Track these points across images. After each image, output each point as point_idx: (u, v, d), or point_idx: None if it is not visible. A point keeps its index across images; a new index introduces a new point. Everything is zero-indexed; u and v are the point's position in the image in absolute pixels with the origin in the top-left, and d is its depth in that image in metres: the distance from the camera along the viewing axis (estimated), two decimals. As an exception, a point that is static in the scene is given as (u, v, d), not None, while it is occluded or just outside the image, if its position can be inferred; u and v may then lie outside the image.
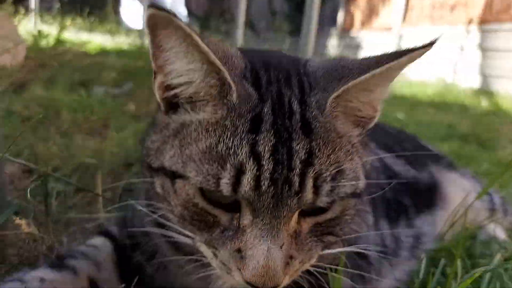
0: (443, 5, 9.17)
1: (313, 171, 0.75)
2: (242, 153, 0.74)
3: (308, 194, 0.76)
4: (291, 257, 0.77)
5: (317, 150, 0.77)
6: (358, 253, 1.16)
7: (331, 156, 0.78)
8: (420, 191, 1.56)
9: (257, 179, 0.73)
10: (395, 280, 1.27)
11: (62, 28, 6.41)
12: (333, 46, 12.88)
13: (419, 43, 0.79)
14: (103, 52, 5.98)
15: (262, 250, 0.74)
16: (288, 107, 0.80)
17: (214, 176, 0.74)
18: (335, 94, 0.80)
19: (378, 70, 0.78)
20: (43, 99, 2.93)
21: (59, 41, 5.77)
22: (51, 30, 6.41)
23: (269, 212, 0.75)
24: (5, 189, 1.13)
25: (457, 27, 8.66)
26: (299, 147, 0.76)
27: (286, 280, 0.78)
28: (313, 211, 0.80)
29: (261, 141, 0.75)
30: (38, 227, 1.10)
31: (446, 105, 5.81)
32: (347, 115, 0.85)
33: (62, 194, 1.61)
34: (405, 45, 0.83)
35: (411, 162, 1.61)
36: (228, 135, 0.76)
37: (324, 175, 0.77)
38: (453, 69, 8.72)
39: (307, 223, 0.81)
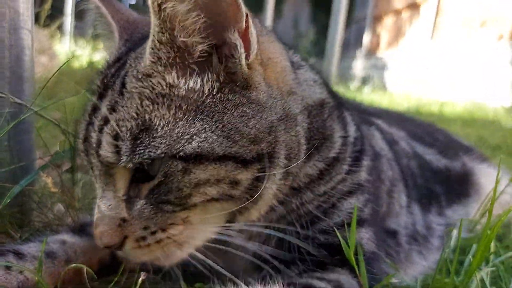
0: (473, 21, 9.04)
1: (110, 128, 0.75)
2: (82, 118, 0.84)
3: (104, 151, 0.75)
4: (123, 220, 0.78)
5: (120, 107, 0.76)
6: (388, 232, 1.12)
7: (136, 113, 0.75)
8: (452, 180, 1.51)
9: (80, 141, 0.82)
10: (425, 267, 1.21)
11: (95, 50, 6.69)
12: (358, 68, 12.87)
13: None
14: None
15: (96, 208, 0.80)
16: (117, 68, 0.84)
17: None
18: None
19: None
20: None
21: (91, 63, 6.02)
22: (84, 52, 6.70)
23: (92, 172, 0.81)
24: (33, 149, 1.15)
25: (487, 43, 8.51)
26: (104, 104, 0.77)
27: (130, 244, 0.79)
28: (146, 177, 0.77)
29: (88, 106, 0.82)
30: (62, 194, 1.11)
31: (475, 121, 5.65)
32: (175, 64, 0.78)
33: (88, 185, 1.63)
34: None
35: (443, 152, 1.58)
36: None
37: (123, 133, 0.74)
38: (484, 87, 8.52)
39: (144, 190, 0.78)
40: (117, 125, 0.74)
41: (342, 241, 0.86)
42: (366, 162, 1.04)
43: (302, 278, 0.86)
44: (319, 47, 10.53)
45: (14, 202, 1.06)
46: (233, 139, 0.75)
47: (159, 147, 0.73)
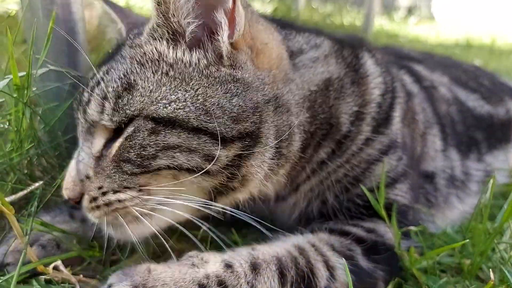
0: None
1: (100, 88, 0.80)
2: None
3: (91, 109, 0.80)
4: (87, 177, 0.81)
5: (112, 70, 0.81)
6: (425, 177, 1.17)
7: (124, 74, 0.80)
8: (494, 127, 1.50)
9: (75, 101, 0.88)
10: (463, 211, 1.26)
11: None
12: None
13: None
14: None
15: (71, 162, 0.85)
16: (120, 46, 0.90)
17: None
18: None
19: None
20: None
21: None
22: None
23: (77, 129, 0.86)
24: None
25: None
26: (101, 70, 0.84)
27: (85, 202, 0.81)
28: (119, 133, 0.79)
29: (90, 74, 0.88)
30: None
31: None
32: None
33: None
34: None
35: (487, 97, 1.55)
36: None
37: (109, 93, 0.78)
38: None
39: (113, 149, 0.79)
40: (106, 86, 0.79)
41: (373, 201, 0.94)
42: (398, 113, 1.04)
43: (340, 225, 0.97)
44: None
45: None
46: (213, 114, 0.76)
47: (134, 104, 0.76)
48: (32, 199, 0.93)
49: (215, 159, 0.77)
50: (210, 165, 0.77)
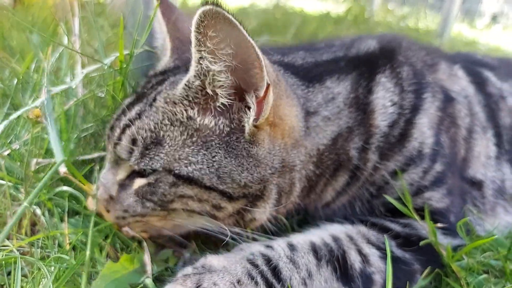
0: None
1: (131, 132, 0.88)
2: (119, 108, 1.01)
3: (120, 148, 0.89)
4: (111, 197, 0.93)
5: (144, 116, 0.89)
6: (472, 183, 1.18)
7: (154, 127, 0.87)
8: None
9: (108, 126, 0.98)
10: (510, 223, 1.25)
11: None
12: (489, 1, 11.26)
13: None
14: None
15: (100, 177, 0.98)
16: (159, 81, 0.98)
17: None
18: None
19: None
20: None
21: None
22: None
23: (107, 150, 0.97)
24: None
25: None
26: (135, 108, 0.92)
27: (111, 216, 0.95)
28: (142, 174, 0.89)
29: (127, 100, 0.99)
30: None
31: None
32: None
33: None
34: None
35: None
36: None
37: (138, 141, 0.87)
38: None
39: (136, 184, 0.90)
40: (137, 132, 0.87)
41: (399, 207, 1.01)
42: (423, 124, 1.06)
43: (382, 221, 1.04)
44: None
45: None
46: (223, 180, 0.86)
47: (160, 161, 0.86)
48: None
49: (223, 208, 0.89)
50: (218, 212, 0.90)
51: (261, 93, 0.84)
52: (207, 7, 0.72)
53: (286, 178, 0.94)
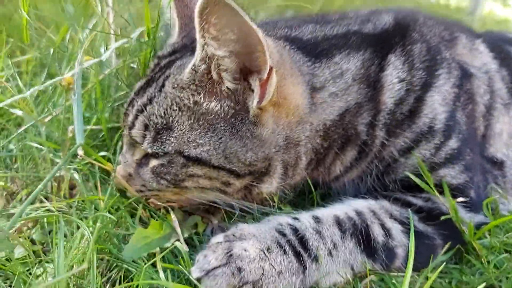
0: None
1: (143, 118, 0.93)
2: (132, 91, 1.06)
3: (134, 133, 0.94)
4: (130, 175, 1.00)
5: (155, 102, 0.93)
6: (492, 162, 1.19)
7: (164, 113, 0.91)
8: None
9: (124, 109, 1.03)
10: None
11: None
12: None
13: None
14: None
15: (120, 158, 1.05)
16: (168, 62, 1.00)
17: None
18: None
19: None
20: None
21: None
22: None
23: (123, 132, 1.02)
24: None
25: None
26: (146, 94, 0.96)
27: (133, 191, 1.01)
28: (156, 155, 0.94)
29: (138, 84, 1.03)
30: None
31: None
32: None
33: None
34: None
35: None
36: None
37: (150, 126, 0.92)
38: None
39: (151, 164, 0.96)
40: (149, 118, 0.92)
41: (417, 181, 1.00)
42: (435, 101, 1.05)
43: (404, 196, 1.05)
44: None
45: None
46: (229, 160, 0.90)
47: (171, 145, 0.91)
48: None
49: (232, 184, 0.95)
50: (227, 188, 0.96)
51: (264, 76, 0.86)
52: None
53: (291, 153, 0.97)
